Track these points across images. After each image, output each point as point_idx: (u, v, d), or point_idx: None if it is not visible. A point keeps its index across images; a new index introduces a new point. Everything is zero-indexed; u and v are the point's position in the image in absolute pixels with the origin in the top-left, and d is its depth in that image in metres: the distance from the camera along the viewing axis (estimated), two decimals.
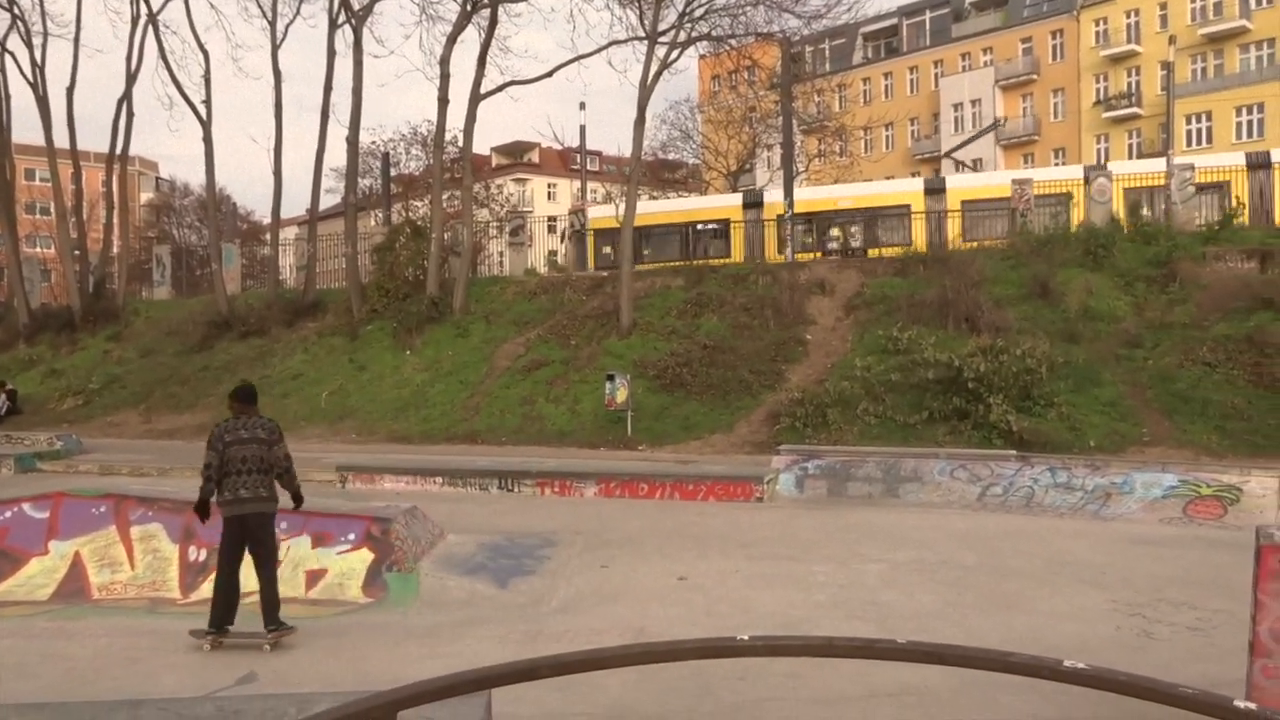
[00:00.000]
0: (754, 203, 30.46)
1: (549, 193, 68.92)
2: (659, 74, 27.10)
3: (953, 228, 27.40)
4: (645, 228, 29.83)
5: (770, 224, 29.20)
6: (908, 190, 29.52)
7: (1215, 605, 7.82)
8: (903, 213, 28.40)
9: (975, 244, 25.96)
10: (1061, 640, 6.80)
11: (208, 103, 32.02)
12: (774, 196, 31.15)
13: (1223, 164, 26.61)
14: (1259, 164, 25.89)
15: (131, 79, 33.25)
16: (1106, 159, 46.10)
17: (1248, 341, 19.97)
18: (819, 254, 28.16)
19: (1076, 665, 2.59)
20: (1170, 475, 13.05)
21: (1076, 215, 26.01)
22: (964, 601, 8.28)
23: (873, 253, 27.72)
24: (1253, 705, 2.54)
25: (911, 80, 57.85)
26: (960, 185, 29.27)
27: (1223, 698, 2.51)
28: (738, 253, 29.15)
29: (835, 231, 28.93)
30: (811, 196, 30.67)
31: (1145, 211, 25.32)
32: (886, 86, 58.76)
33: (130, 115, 33.79)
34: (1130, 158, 44.77)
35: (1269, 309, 20.65)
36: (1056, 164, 48.53)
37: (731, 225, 29.53)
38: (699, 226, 30.36)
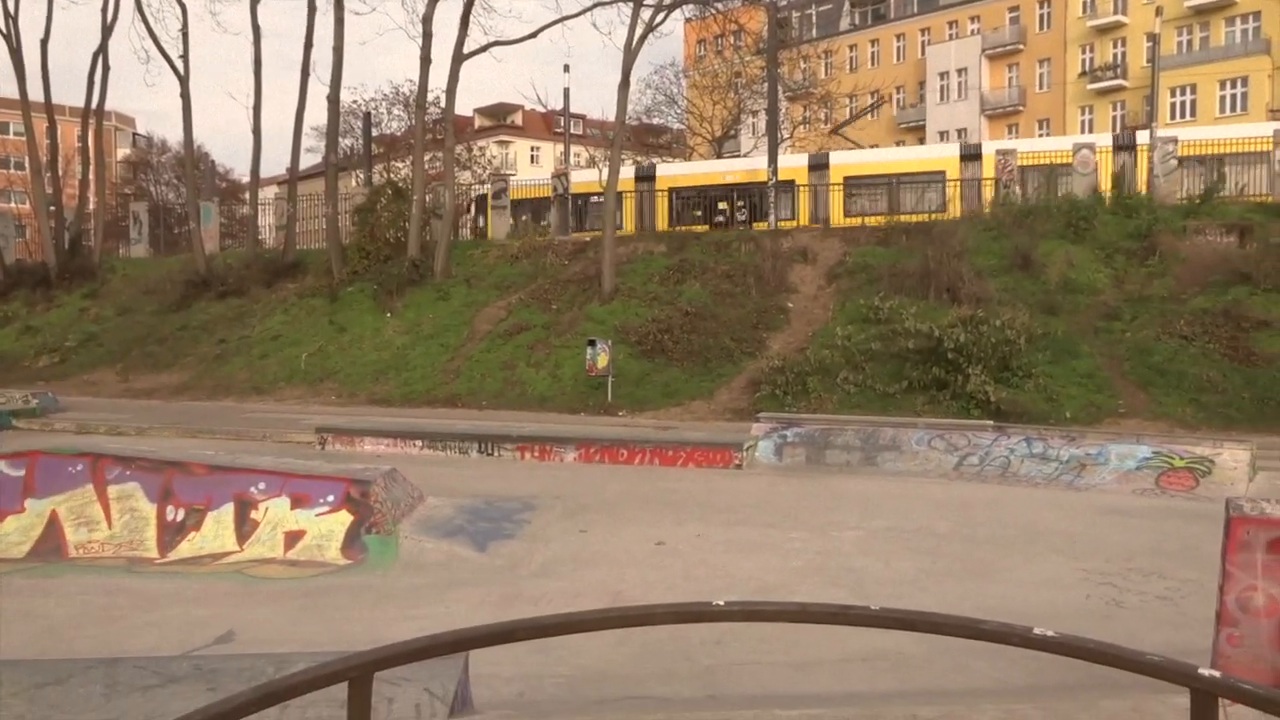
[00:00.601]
0: (646, 175, 31.44)
1: (532, 156, 68.40)
2: (644, 37, 26.85)
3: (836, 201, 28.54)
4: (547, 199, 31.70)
5: (662, 195, 30.12)
6: (792, 165, 30.24)
7: (1184, 575, 7.94)
8: (788, 188, 29.09)
9: (858, 220, 27.26)
10: (1033, 608, 6.90)
11: (185, 58, 31.53)
12: (666, 170, 32.72)
13: (1097, 143, 27.85)
14: (1125, 145, 27.13)
15: (107, 31, 32.71)
16: (1091, 131, 46.15)
17: (1224, 315, 20.14)
18: (709, 226, 29.02)
19: (1046, 633, 2.63)
20: (1144, 447, 13.20)
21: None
22: (938, 569, 8.38)
23: (758, 225, 28.33)
24: (1217, 673, 2.59)
25: (898, 48, 57.57)
26: (844, 161, 30.05)
27: (1188, 665, 2.55)
28: (629, 224, 29.90)
29: (722, 204, 29.65)
30: (702, 170, 32.36)
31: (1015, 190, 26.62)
32: (873, 54, 58.48)
33: (106, 69, 33.29)
34: (1115, 130, 44.85)
35: (1246, 283, 20.81)
36: (1041, 134, 48.58)
37: (624, 196, 29.91)
38: (593, 198, 30.84)
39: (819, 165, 29.63)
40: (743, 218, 29.40)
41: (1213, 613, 5.06)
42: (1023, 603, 7.12)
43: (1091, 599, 7.40)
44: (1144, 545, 9.30)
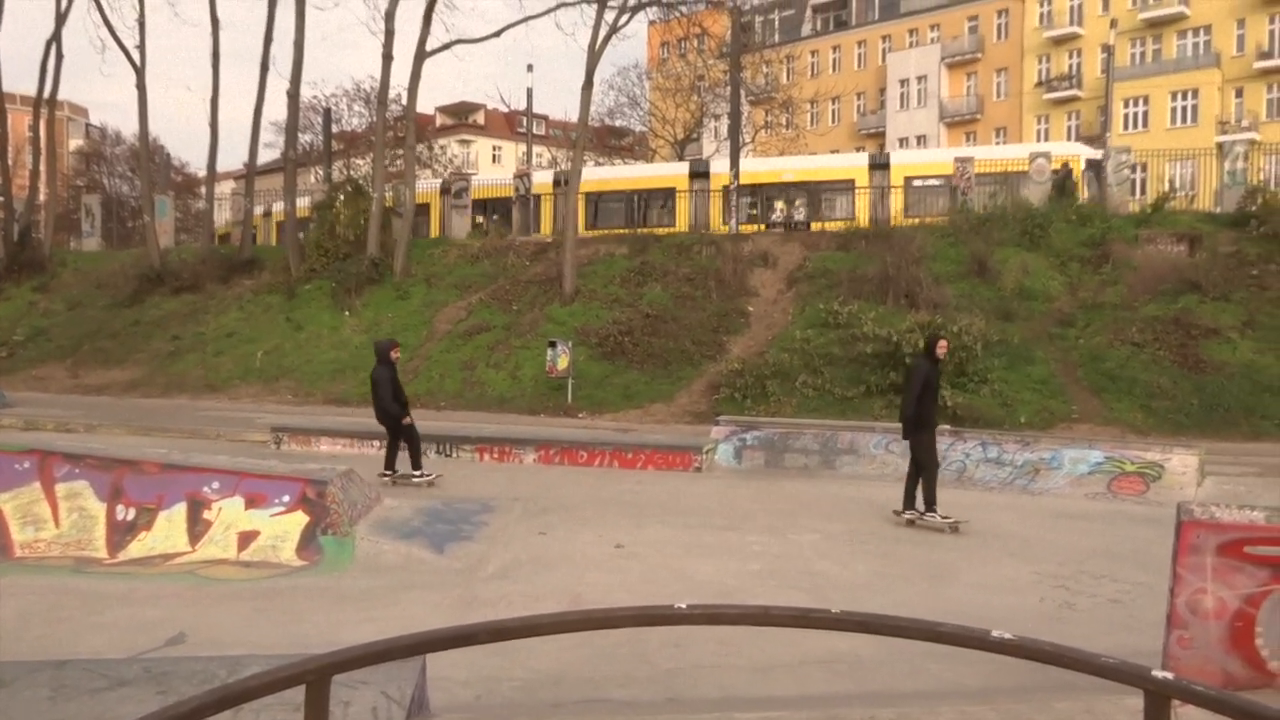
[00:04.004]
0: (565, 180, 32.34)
1: (494, 155, 68.08)
2: (608, 38, 26.87)
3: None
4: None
5: (580, 199, 30.86)
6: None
7: (1135, 578, 8.07)
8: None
9: (755, 227, 28.42)
10: (988, 611, 6.97)
11: (142, 48, 31.03)
12: (585, 174, 33.37)
13: (1009, 155, 28.77)
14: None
15: (61, 19, 32.10)
16: (1047, 139, 46.88)
17: (1174, 323, 20.54)
18: (623, 229, 29.68)
19: (1003, 635, 2.65)
20: (1096, 452, 13.40)
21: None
22: (895, 572, 8.45)
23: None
24: (1169, 674, 2.63)
25: (859, 54, 58.07)
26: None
27: (1141, 667, 2.59)
28: (546, 227, 30.75)
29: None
30: (618, 175, 33.83)
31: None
32: (834, 60, 58.94)
33: (59, 57, 32.66)
34: (1069, 139, 45.61)
35: (1195, 291, 21.25)
36: (998, 143, 49.24)
37: (543, 199, 30.76)
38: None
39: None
40: (660, 219, 30.34)
41: (1163, 615, 5.15)
42: (977, 605, 7.19)
43: (1045, 602, 7.49)
44: (1096, 549, 9.44)
